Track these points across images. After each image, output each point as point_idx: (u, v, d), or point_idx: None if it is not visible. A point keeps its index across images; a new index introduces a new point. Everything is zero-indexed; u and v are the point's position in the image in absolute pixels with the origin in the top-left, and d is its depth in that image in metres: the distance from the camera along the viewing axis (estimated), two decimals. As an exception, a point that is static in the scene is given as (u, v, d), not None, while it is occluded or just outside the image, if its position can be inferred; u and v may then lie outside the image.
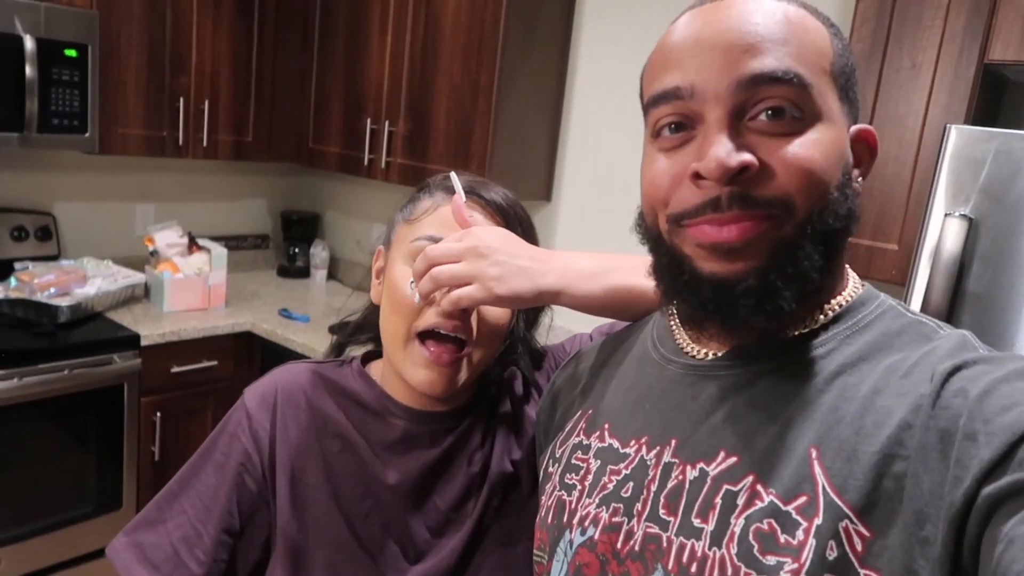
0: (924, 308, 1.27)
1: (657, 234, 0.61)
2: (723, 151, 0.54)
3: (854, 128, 0.60)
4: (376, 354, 0.95)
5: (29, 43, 2.13)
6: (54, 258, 2.57)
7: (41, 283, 2.30)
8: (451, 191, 0.83)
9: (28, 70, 2.14)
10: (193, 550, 0.83)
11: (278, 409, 0.86)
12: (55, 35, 2.19)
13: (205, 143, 2.62)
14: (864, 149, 0.61)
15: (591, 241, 2.45)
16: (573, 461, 0.69)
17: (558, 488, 0.69)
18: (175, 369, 2.39)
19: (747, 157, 0.54)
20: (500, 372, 0.93)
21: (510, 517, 0.86)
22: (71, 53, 2.24)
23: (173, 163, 2.86)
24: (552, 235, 2.54)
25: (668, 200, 0.58)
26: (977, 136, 1.23)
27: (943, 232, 1.24)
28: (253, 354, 2.60)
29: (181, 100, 2.53)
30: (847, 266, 0.63)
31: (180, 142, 2.56)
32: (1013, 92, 1.73)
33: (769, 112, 0.55)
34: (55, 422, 2.18)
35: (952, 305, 1.27)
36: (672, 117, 0.58)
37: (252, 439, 0.85)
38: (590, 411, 0.72)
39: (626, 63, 2.34)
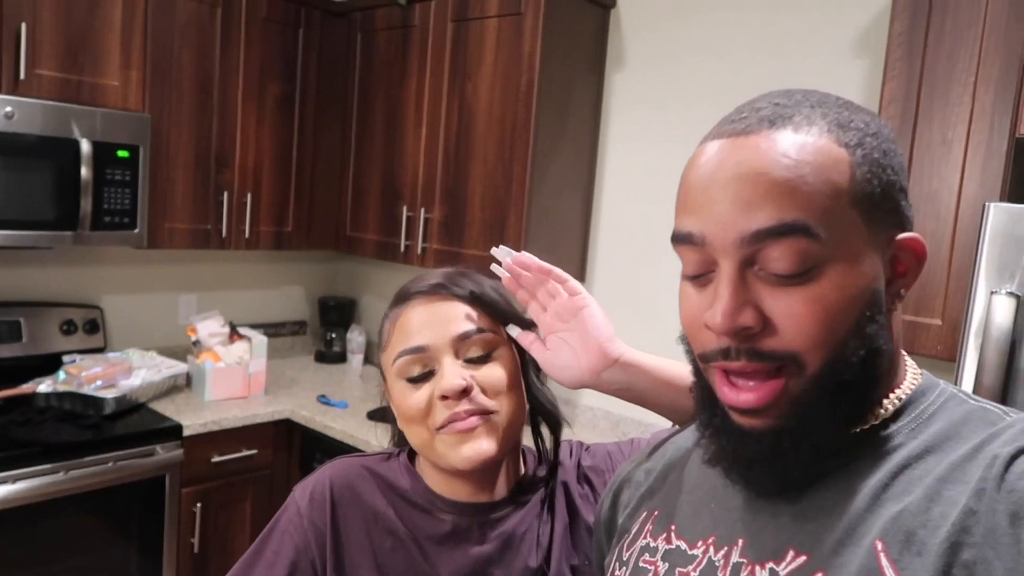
0: (976, 387, 1.24)
1: (696, 364, 0.63)
2: (728, 310, 0.55)
3: (899, 237, 0.59)
4: None
5: (85, 146, 2.24)
6: (100, 350, 2.64)
7: (88, 376, 2.35)
8: (398, 302, 0.88)
9: (83, 172, 2.24)
10: None
11: (330, 505, 0.86)
12: (109, 138, 2.31)
13: (247, 234, 2.70)
14: (910, 257, 0.60)
15: (626, 319, 2.45)
16: (641, 564, 0.68)
17: None
18: (216, 458, 2.41)
19: (746, 321, 0.55)
20: (545, 461, 0.93)
21: None
22: (123, 154, 2.35)
23: (215, 254, 2.94)
24: (587, 315, 2.54)
25: (696, 340, 0.61)
26: (1018, 213, 1.23)
27: (991, 310, 1.23)
28: (292, 441, 2.60)
29: (225, 194, 2.63)
30: (904, 354, 0.63)
31: (223, 234, 2.64)
32: (1047, 164, 1.73)
33: (776, 271, 0.55)
34: (98, 514, 2.19)
35: (1006, 383, 1.24)
36: (692, 261, 0.60)
37: (303, 537, 0.85)
38: (656, 512, 0.71)
39: (652, 152, 2.39)
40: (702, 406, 0.63)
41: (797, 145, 0.56)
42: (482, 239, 2.46)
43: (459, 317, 0.84)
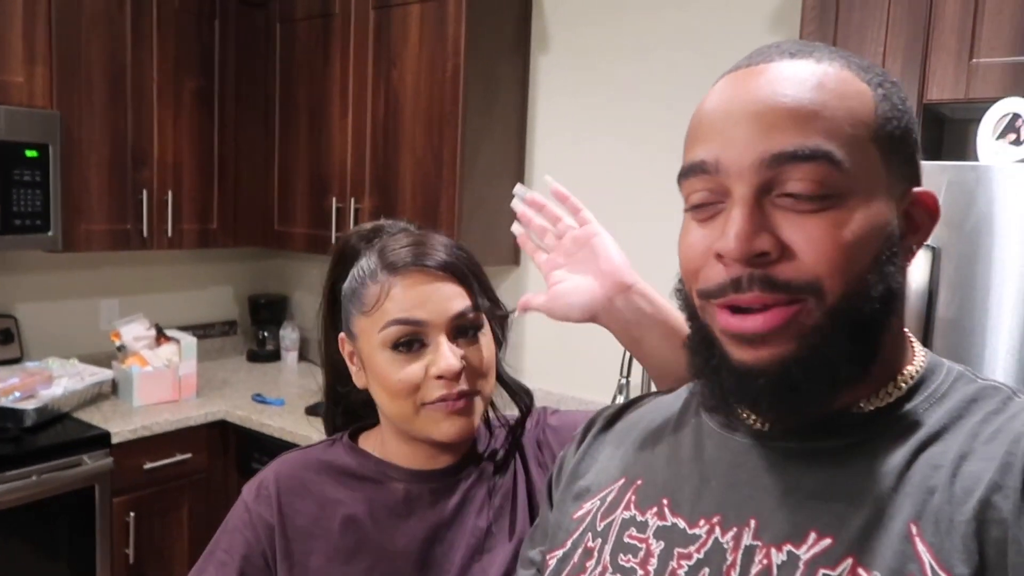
0: (899, 338, 1.30)
1: (693, 307, 0.59)
2: (743, 233, 0.52)
3: (913, 191, 0.57)
4: (362, 427, 0.96)
5: (-11, 146, 2.12)
6: (16, 361, 2.51)
7: (5, 388, 2.24)
8: (391, 268, 0.84)
9: (-12, 172, 2.13)
10: None
11: (276, 500, 0.87)
12: (15, 136, 2.20)
13: (170, 233, 2.61)
14: (923, 213, 0.58)
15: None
16: (627, 540, 0.62)
17: (611, 570, 0.61)
18: (148, 465, 2.32)
19: (763, 245, 0.52)
20: (506, 428, 0.94)
21: None
22: (32, 153, 2.24)
23: (136, 256, 2.83)
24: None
25: (698, 275, 0.57)
26: (929, 170, 1.27)
27: (909, 263, 1.29)
28: (228, 443, 2.53)
29: (144, 192, 2.53)
30: (908, 333, 0.61)
31: (145, 234, 2.55)
32: (952, 128, 1.83)
33: (795, 194, 0.53)
34: (23, 531, 2.08)
35: (926, 331, 1.31)
36: (701, 193, 0.57)
37: (253, 531, 0.86)
38: (639, 481, 0.65)
39: (580, 136, 2.42)
40: (698, 350, 0.59)
41: (820, 72, 0.55)
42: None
43: (455, 296, 0.85)
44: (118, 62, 2.45)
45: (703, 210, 0.57)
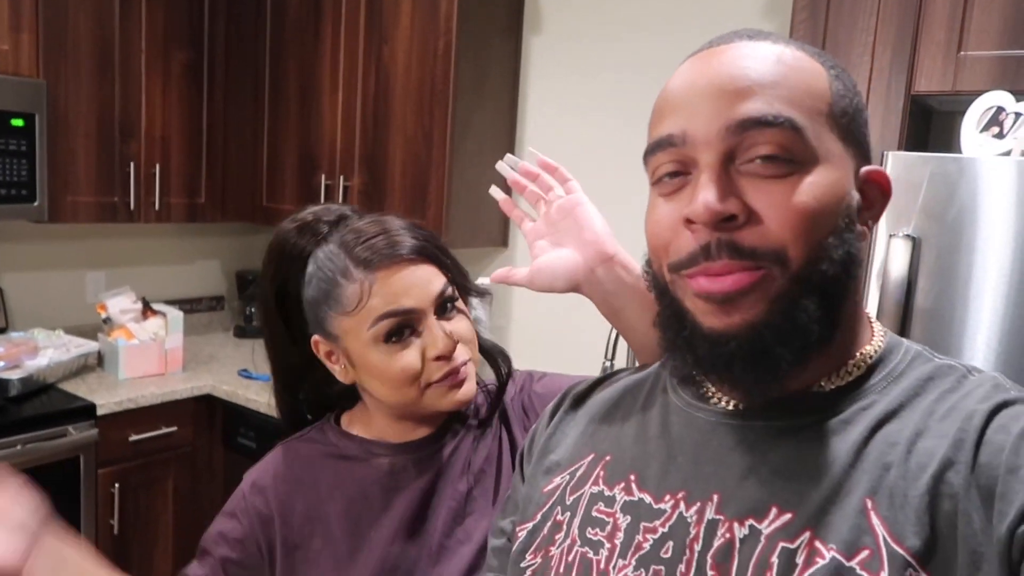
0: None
1: (663, 283, 0.61)
2: (711, 196, 0.54)
3: (864, 169, 0.59)
4: (345, 406, 0.98)
5: (-26, 114, 2.10)
6: (1, 331, 2.50)
7: (-10, 357, 2.23)
8: (367, 265, 0.84)
9: (-27, 141, 2.11)
10: None
11: (273, 492, 0.90)
12: (1, 105, 2.17)
13: (157, 206, 2.60)
14: (875, 191, 0.60)
15: (550, 284, 2.48)
16: (594, 514, 0.64)
17: (579, 543, 0.63)
18: (133, 437, 2.33)
19: (731, 208, 0.54)
20: (487, 393, 0.97)
21: None
22: (18, 122, 2.21)
23: (124, 228, 2.82)
24: (511, 280, 2.57)
25: (668, 248, 0.58)
26: (913, 161, 1.31)
27: (890, 252, 1.31)
28: (214, 417, 2.54)
29: (132, 165, 2.52)
30: (868, 313, 0.63)
31: (132, 207, 2.53)
32: (939, 119, 1.84)
33: (760, 157, 0.55)
34: (8, 501, 2.09)
35: (904, 320, 1.33)
36: (668, 165, 0.58)
37: (249, 521, 0.89)
38: (607, 457, 0.67)
39: (572, 117, 2.42)
40: (669, 324, 0.60)
41: (777, 50, 0.58)
42: (403, 206, 2.44)
43: (432, 276, 0.87)
44: (106, 32, 2.42)
45: (669, 183, 0.59)
